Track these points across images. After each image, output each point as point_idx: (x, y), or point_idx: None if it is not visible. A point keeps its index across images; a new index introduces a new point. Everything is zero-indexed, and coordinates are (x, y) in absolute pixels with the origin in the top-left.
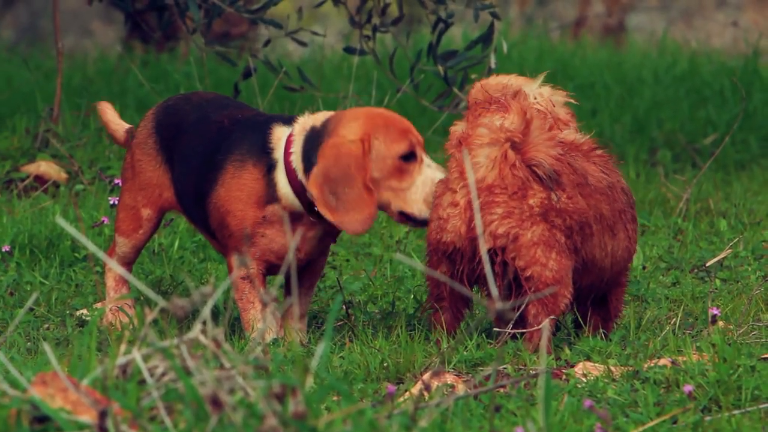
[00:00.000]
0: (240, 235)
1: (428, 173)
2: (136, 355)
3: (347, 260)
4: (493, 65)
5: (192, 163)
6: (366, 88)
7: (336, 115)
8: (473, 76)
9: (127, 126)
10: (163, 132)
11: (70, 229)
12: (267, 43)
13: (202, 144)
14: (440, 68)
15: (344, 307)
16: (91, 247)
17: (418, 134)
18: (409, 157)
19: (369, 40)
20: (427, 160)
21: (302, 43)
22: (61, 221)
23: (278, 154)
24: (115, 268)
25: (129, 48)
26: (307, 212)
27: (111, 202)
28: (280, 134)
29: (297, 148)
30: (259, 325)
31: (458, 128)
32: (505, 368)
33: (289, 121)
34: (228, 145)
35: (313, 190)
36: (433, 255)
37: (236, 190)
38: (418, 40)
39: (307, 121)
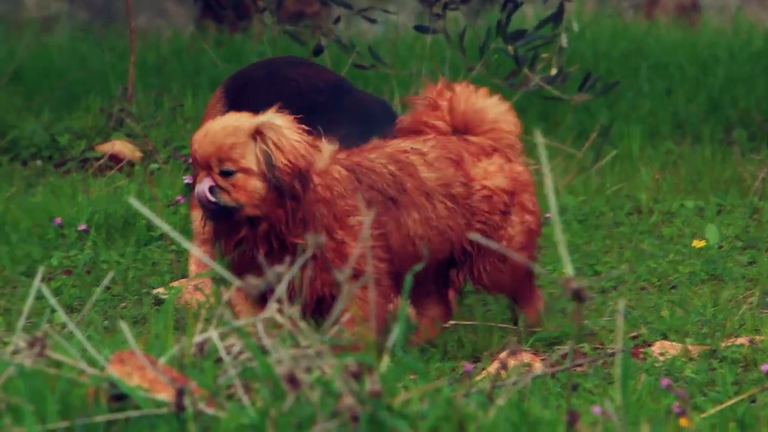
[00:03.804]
0: None
1: None
2: (213, 333)
3: None
4: (564, 44)
5: None
6: (439, 67)
7: None
8: (543, 56)
9: None
10: (231, 95)
11: (144, 210)
12: (337, 20)
13: (271, 100)
14: (510, 48)
15: None
16: (165, 227)
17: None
18: None
19: (440, 19)
20: None
21: (372, 20)
22: (134, 202)
23: None
24: (190, 248)
25: (202, 28)
26: None
27: (185, 181)
28: None
29: None
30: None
31: None
32: (582, 347)
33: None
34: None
35: None
36: None
37: None
38: (490, 19)
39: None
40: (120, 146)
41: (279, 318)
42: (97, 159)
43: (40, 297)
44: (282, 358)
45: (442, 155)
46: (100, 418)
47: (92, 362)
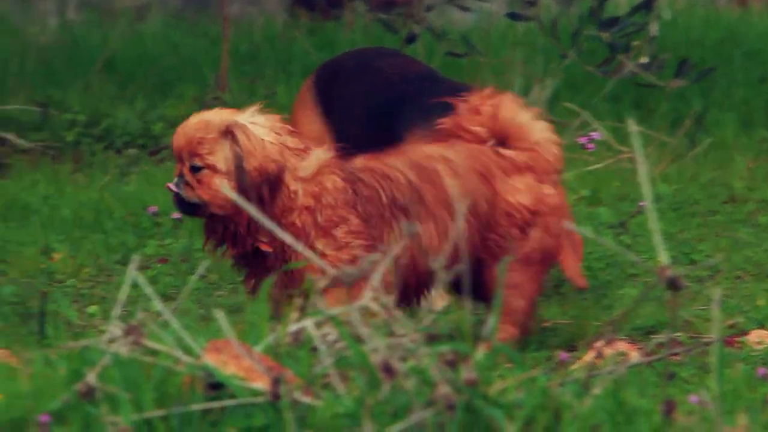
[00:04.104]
0: None
1: None
2: (309, 322)
3: None
4: (654, 33)
5: (353, 111)
6: (531, 54)
7: None
8: (635, 43)
9: None
10: (322, 84)
11: (238, 199)
12: (429, 8)
13: (362, 91)
14: (603, 35)
15: None
16: (254, 213)
17: None
18: None
19: (532, 6)
20: None
21: (465, 8)
22: (227, 191)
23: None
24: (282, 235)
25: (295, 16)
26: None
27: None
28: None
29: None
30: (433, 292)
31: None
32: (678, 336)
33: None
34: (408, 117)
35: None
36: None
37: None
38: (582, 5)
39: None
40: None
41: (374, 306)
42: None
43: (135, 285)
44: (377, 346)
45: (471, 167)
46: (196, 407)
47: (188, 351)
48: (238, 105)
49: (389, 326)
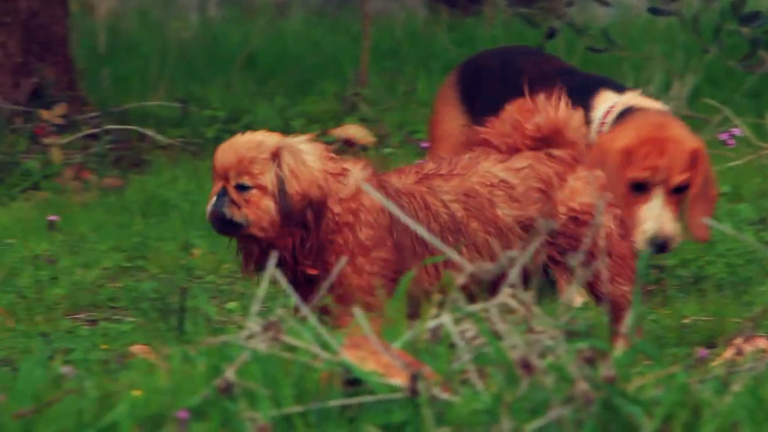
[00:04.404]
0: None
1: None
2: (447, 318)
3: None
4: None
5: (497, 110)
6: (672, 50)
7: (637, 112)
8: None
9: None
10: (465, 81)
11: (377, 196)
12: (570, 3)
13: (506, 91)
14: (744, 30)
15: (657, 270)
16: (394, 210)
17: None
18: (640, 188)
19: (673, 1)
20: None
21: (605, 3)
22: (367, 187)
23: (596, 116)
24: (422, 231)
25: (435, 12)
26: None
27: None
28: (605, 99)
29: (609, 121)
30: (571, 288)
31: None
32: None
33: (619, 89)
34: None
35: None
36: None
37: None
38: (724, 1)
39: (629, 100)
40: (353, 130)
41: (512, 303)
42: (331, 143)
43: (274, 282)
44: (516, 343)
45: (531, 187)
46: (335, 403)
47: (326, 347)
48: (379, 101)
49: (528, 322)
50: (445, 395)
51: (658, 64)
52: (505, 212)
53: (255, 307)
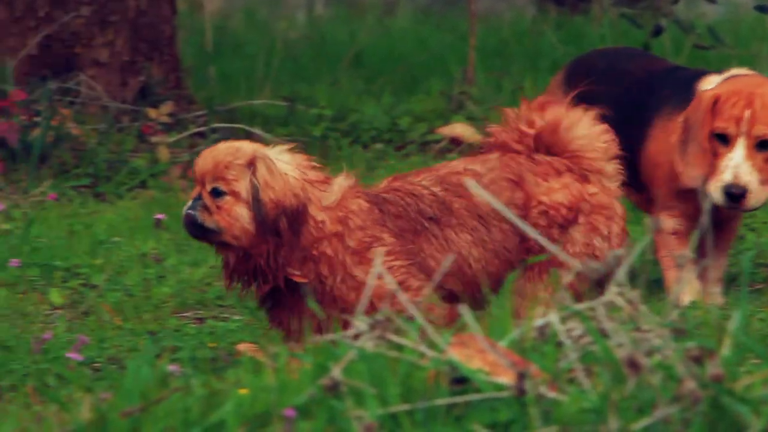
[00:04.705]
0: (668, 191)
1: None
2: (553, 317)
3: (765, 222)
4: None
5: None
6: None
7: (738, 76)
8: None
9: None
10: (573, 82)
11: (481, 191)
12: (676, 0)
13: (615, 94)
14: None
15: (765, 269)
16: (500, 207)
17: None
18: (724, 139)
19: None
20: (737, 152)
21: (712, 1)
22: (471, 183)
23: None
24: (529, 230)
25: (543, 10)
26: None
27: None
28: (710, 81)
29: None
30: (678, 286)
31: None
32: None
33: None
34: (656, 99)
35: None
36: None
37: (666, 143)
38: None
39: (733, 72)
40: (460, 129)
41: (619, 301)
42: (438, 142)
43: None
44: (623, 341)
45: (499, 177)
46: (441, 401)
47: (433, 345)
48: (485, 99)
49: (635, 321)
50: (552, 394)
51: (766, 62)
52: (479, 200)
53: (362, 306)
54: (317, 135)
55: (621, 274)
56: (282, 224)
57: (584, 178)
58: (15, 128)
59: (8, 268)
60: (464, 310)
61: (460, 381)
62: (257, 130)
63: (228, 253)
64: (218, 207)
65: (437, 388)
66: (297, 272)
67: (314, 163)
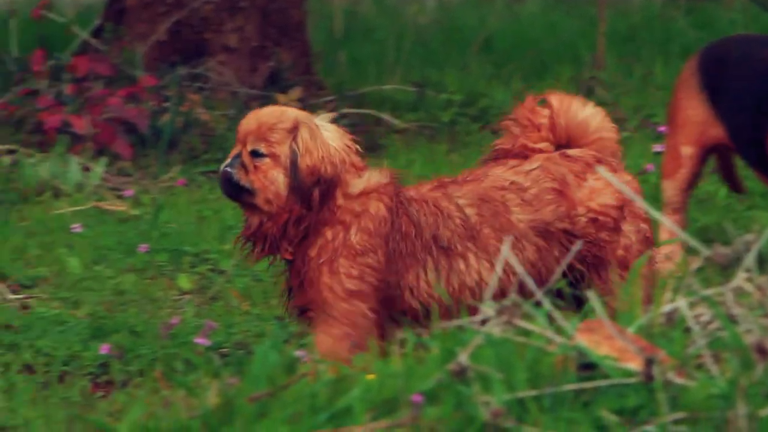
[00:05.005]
0: None
1: None
2: (682, 303)
3: None
4: None
5: (742, 101)
6: None
7: None
8: None
9: None
10: (707, 70)
11: (612, 178)
12: None
13: (750, 82)
14: None
15: None
16: (632, 195)
17: None
18: None
19: None
20: None
21: None
22: (603, 171)
23: None
24: (659, 217)
25: None
26: None
27: (654, 150)
28: None
29: None
30: None
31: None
32: None
33: None
34: None
35: None
36: None
37: None
38: None
39: None
40: None
41: (747, 287)
42: None
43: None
44: (751, 327)
45: (544, 189)
46: (569, 387)
47: (560, 331)
48: (615, 85)
49: (763, 307)
50: (679, 380)
51: None
52: (519, 218)
53: (490, 291)
54: (446, 120)
55: (750, 259)
56: (315, 194)
57: (613, 167)
58: (145, 114)
59: (137, 254)
60: (592, 296)
61: (588, 367)
62: (386, 116)
63: (253, 217)
64: (256, 167)
65: (565, 373)
66: (289, 249)
67: (357, 147)
